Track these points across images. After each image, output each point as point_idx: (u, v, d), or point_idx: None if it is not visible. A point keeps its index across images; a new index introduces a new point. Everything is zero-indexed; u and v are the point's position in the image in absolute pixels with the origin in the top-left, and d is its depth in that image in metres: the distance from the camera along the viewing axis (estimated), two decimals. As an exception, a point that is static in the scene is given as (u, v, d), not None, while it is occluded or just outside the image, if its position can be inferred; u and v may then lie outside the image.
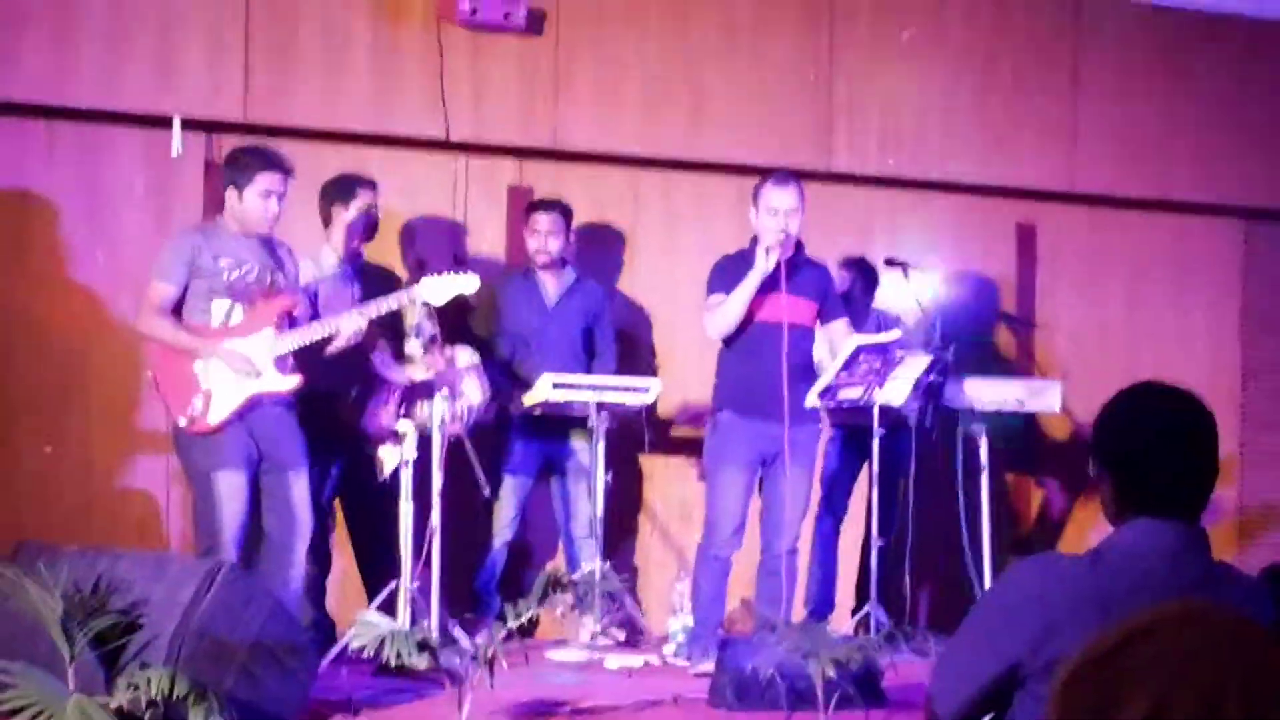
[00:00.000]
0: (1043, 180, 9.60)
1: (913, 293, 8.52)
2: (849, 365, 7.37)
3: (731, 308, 7.37)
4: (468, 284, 7.07)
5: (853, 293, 8.45)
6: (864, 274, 8.62)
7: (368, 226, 7.75)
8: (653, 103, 8.79)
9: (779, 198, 7.38)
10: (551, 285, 8.25)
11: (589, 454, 7.87)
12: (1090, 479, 3.34)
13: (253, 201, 6.83)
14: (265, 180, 6.82)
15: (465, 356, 7.46)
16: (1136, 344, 9.86)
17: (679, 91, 8.84)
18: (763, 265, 7.29)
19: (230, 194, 6.86)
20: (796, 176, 7.53)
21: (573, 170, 8.79)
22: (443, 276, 7.03)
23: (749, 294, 7.33)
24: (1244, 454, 10.05)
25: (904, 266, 8.50)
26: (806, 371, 7.47)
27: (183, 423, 6.68)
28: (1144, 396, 3.29)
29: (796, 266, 7.42)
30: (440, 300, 7.02)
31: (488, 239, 8.70)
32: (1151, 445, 3.23)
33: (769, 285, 7.32)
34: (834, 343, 7.61)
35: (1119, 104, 9.66)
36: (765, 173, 7.62)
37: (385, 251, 8.16)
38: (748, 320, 7.39)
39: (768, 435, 7.30)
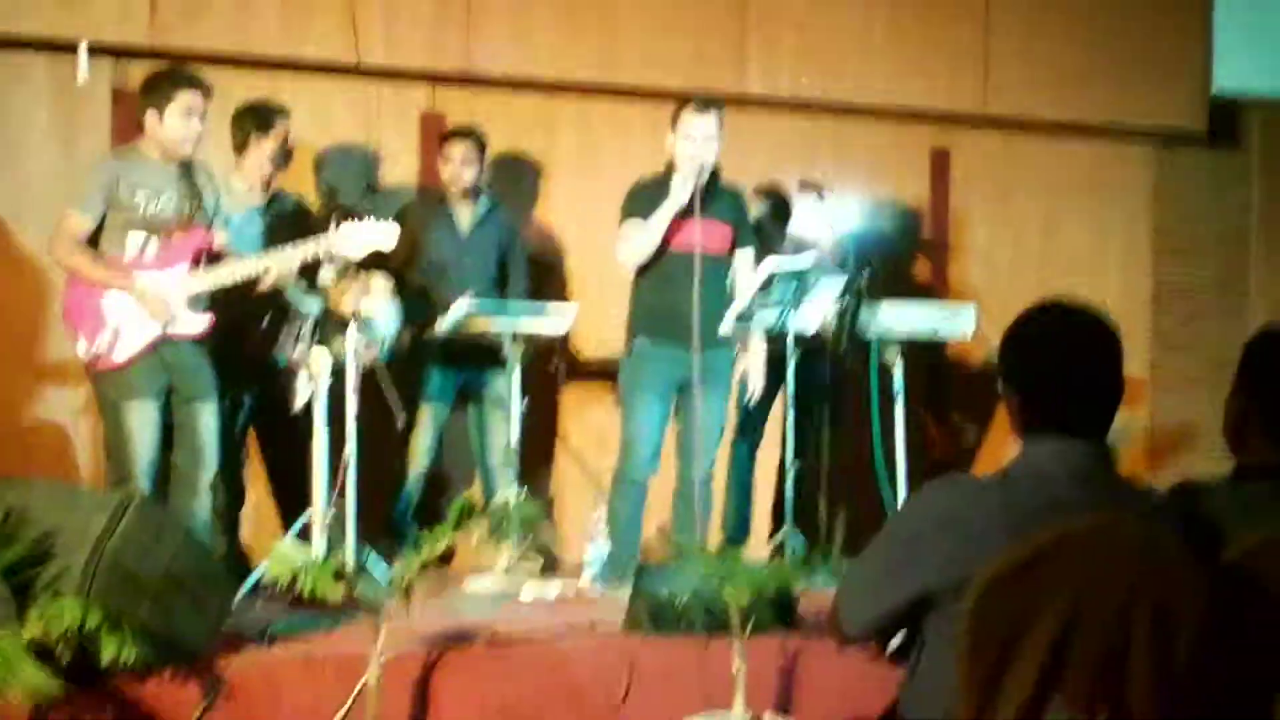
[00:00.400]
0: (957, 104, 9.62)
1: (827, 217, 8.53)
2: (763, 289, 7.37)
3: (647, 237, 7.34)
4: (386, 236, 6.97)
5: (766, 220, 8.46)
6: (778, 202, 8.62)
7: (285, 156, 7.69)
8: (566, 27, 8.73)
9: (698, 125, 7.32)
10: (465, 214, 8.21)
11: (505, 382, 7.85)
12: (1001, 399, 3.36)
13: (174, 122, 6.74)
14: (186, 99, 6.74)
15: (379, 284, 7.41)
16: (1050, 268, 9.93)
17: (592, 16, 8.79)
18: (679, 194, 7.26)
19: (150, 117, 6.75)
20: (717, 104, 7.48)
21: (486, 96, 8.74)
22: (361, 225, 6.93)
23: (663, 225, 7.31)
24: (1155, 376, 10.16)
25: (818, 190, 8.50)
26: (722, 297, 7.45)
27: (86, 355, 6.63)
28: (1048, 314, 3.34)
29: (711, 193, 7.37)
30: (358, 253, 6.92)
31: (400, 166, 8.66)
32: (1055, 361, 3.27)
33: (684, 211, 7.29)
34: (738, 270, 7.58)
35: (1031, 27, 9.68)
36: (681, 97, 7.58)
37: (297, 178, 8.08)
38: (662, 247, 7.35)
39: (682, 361, 7.28)
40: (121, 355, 6.63)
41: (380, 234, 6.94)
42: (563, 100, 8.93)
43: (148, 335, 6.67)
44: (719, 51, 9.02)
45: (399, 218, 7.51)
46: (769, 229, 8.41)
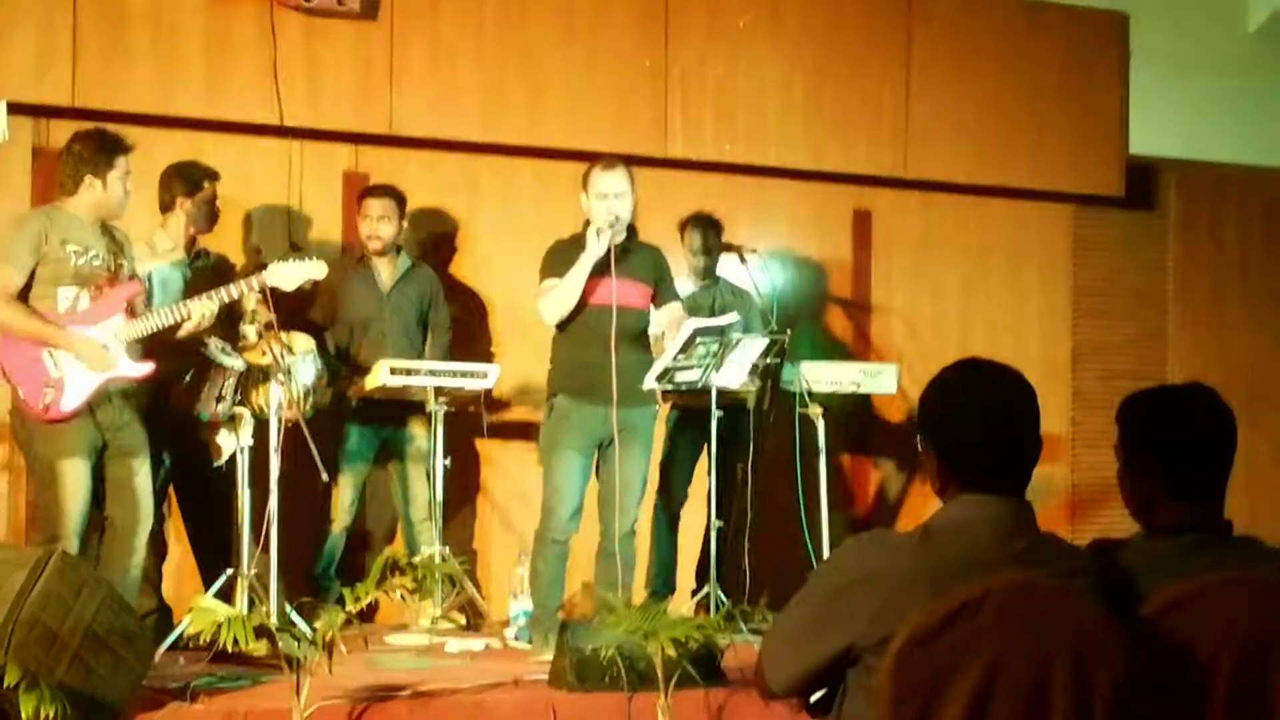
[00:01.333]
0: (878, 167, 9.68)
1: (750, 277, 8.59)
2: (686, 348, 7.37)
3: (565, 292, 7.33)
4: (316, 270, 7.10)
5: (707, 241, 8.58)
6: (709, 225, 8.67)
7: (211, 218, 7.70)
8: (490, 89, 8.76)
9: (607, 182, 7.37)
10: (385, 272, 8.23)
11: (427, 439, 7.84)
12: (922, 456, 3.37)
13: (116, 186, 6.77)
14: (124, 164, 6.79)
15: (301, 342, 7.38)
16: (971, 327, 10.01)
17: (517, 78, 8.81)
18: (594, 248, 7.29)
19: (90, 182, 6.72)
20: (624, 160, 7.50)
21: (409, 156, 8.75)
22: (289, 262, 7.01)
23: (581, 278, 7.29)
24: (1075, 434, 10.24)
25: (740, 251, 8.55)
26: (641, 353, 7.47)
27: (36, 408, 6.58)
28: (965, 372, 3.39)
29: (628, 250, 7.42)
30: (289, 286, 7.02)
31: (324, 225, 8.63)
32: (972, 419, 3.31)
33: (601, 269, 7.30)
34: (668, 325, 7.60)
35: (951, 91, 9.79)
36: (590, 156, 7.62)
37: (221, 238, 8.05)
38: (580, 304, 7.36)
39: (603, 418, 7.27)
40: (69, 405, 6.60)
41: (309, 267, 7.04)
42: (486, 161, 8.98)
43: (91, 385, 6.64)
44: (642, 114, 9.07)
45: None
46: (711, 247, 8.56)
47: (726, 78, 9.26)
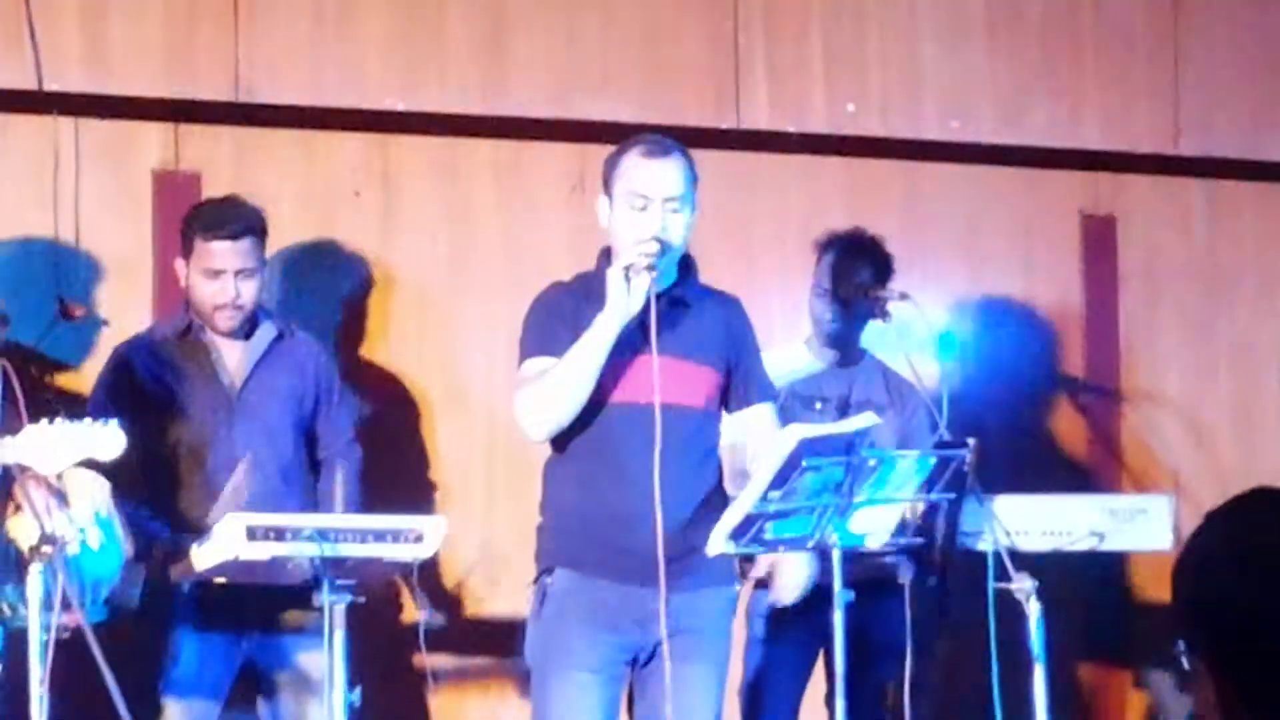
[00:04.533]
0: (1127, 139, 9.99)
1: (905, 342, 8.54)
2: (785, 478, 7.10)
3: (565, 381, 7.29)
4: (107, 442, 6.91)
5: (843, 294, 8.54)
6: (851, 261, 8.61)
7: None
8: (416, 17, 8.82)
9: (651, 177, 7.29)
10: (234, 355, 8.18)
11: (320, 655, 7.57)
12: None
13: None
14: None
15: (83, 489, 7.21)
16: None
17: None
18: (623, 300, 7.15)
19: None
20: (678, 144, 7.43)
21: (267, 139, 8.87)
22: (57, 428, 6.86)
23: (598, 354, 7.21)
24: None
25: (881, 299, 8.50)
26: (705, 489, 7.37)
27: None
28: (1264, 517, 3.26)
29: (681, 302, 7.38)
30: (50, 468, 6.91)
31: (119, 266, 8.70)
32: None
33: (635, 337, 7.16)
34: (751, 439, 7.49)
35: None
36: (616, 134, 7.66)
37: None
38: (597, 402, 7.30)
39: (638, 608, 7.21)
40: None
41: (95, 439, 6.89)
42: (410, 144, 9.20)
43: None
44: (697, 58, 9.23)
45: (118, 367, 7.94)
46: (857, 296, 8.52)
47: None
